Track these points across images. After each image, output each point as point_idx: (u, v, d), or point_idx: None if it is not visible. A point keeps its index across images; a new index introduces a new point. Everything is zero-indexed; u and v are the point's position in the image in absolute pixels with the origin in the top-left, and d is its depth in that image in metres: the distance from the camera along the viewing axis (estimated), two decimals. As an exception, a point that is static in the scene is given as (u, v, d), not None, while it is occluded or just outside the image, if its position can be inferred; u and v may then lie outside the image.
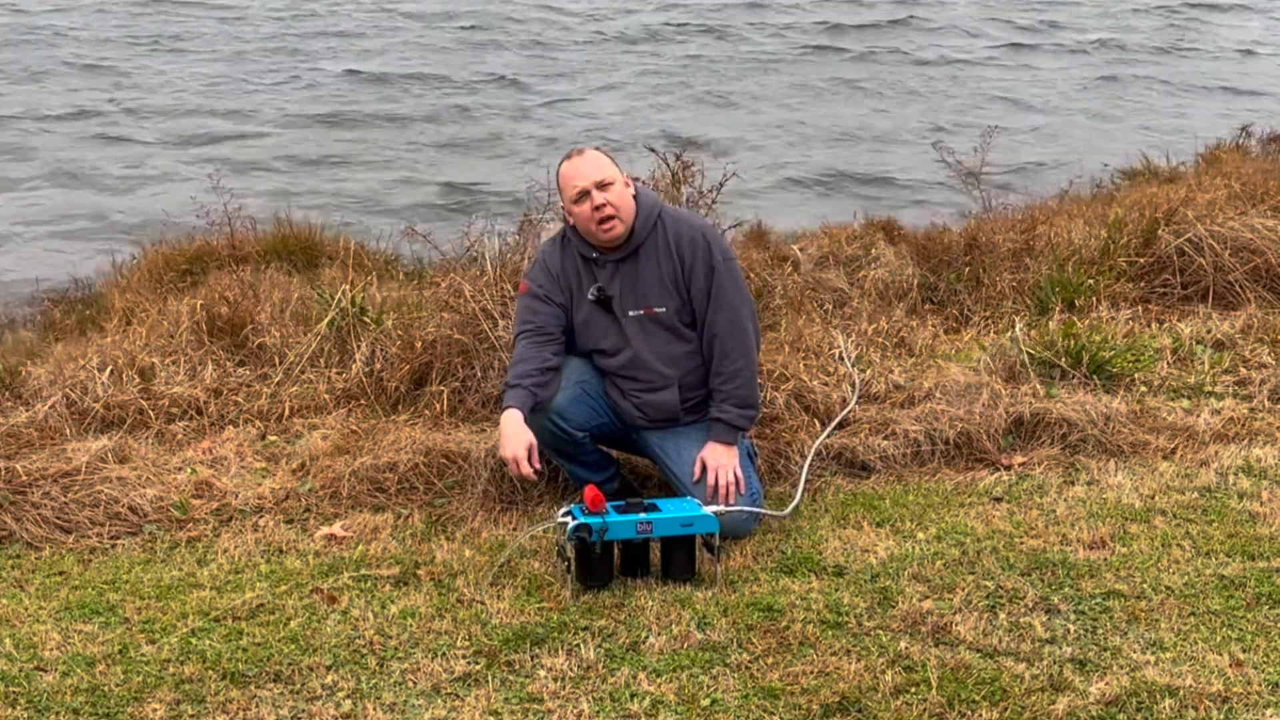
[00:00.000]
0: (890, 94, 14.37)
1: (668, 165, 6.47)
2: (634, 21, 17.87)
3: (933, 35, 17.69)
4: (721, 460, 4.15)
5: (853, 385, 5.04)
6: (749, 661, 3.38)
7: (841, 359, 5.32)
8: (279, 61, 15.41)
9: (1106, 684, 3.22)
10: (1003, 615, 3.58)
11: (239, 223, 7.32)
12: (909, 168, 11.23)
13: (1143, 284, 6.32)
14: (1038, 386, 5.04)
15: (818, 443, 4.63)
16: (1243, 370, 5.40)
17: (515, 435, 3.99)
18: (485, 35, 16.90)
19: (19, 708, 3.22)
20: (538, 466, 4.01)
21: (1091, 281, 6.16)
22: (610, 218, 4.10)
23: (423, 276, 6.51)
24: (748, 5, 18.99)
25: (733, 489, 4.12)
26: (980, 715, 3.12)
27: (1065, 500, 4.34)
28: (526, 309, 4.28)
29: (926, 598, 3.69)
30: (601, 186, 4.09)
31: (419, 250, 7.03)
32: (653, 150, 6.62)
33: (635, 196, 4.18)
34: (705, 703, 3.20)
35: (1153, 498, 4.34)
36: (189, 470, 4.60)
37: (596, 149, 4.22)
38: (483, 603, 3.71)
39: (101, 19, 17.31)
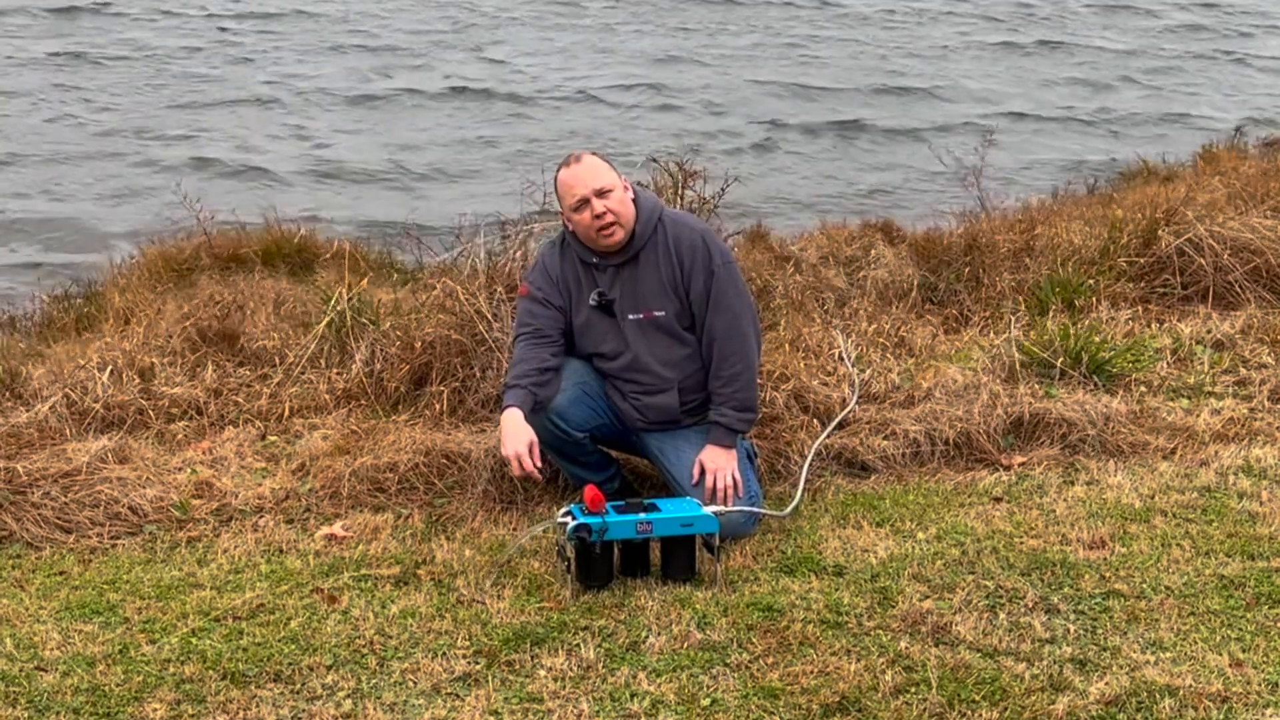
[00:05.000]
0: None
1: (669, 173, 6.45)
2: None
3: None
4: (720, 463, 4.15)
5: (852, 385, 5.05)
6: (749, 661, 3.38)
7: (841, 359, 5.32)
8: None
9: (1106, 684, 3.23)
10: (1003, 615, 3.58)
11: (229, 225, 7.29)
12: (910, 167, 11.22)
13: (1143, 284, 6.31)
14: (1037, 386, 5.05)
15: (818, 443, 4.63)
16: (1243, 370, 5.41)
17: (516, 433, 3.99)
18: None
19: (19, 708, 3.22)
20: (539, 464, 4.01)
21: (1091, 281, 6.17)
22: (610, 225, 4.09)
23: (417, 279, 6.50)
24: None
25: (731, 492, 4.12)
26: (980, 715, 3.12)
27: (1065, 500, 4.34)
28: (526, 312, 4.27)
29: (926, 598, 3.69)
30: (601, 194, 4.07)
31: (414, 251, 7.01)
32: (655, 160, 6.59)
33: (635, 200, 4.17)
34: (705, 703, 3.20)
35: (1152, 498, 4.34)
36: (189, 470, 4.60)
37: (593, 154, 4.19)
38: (483, 603, 3.71)
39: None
